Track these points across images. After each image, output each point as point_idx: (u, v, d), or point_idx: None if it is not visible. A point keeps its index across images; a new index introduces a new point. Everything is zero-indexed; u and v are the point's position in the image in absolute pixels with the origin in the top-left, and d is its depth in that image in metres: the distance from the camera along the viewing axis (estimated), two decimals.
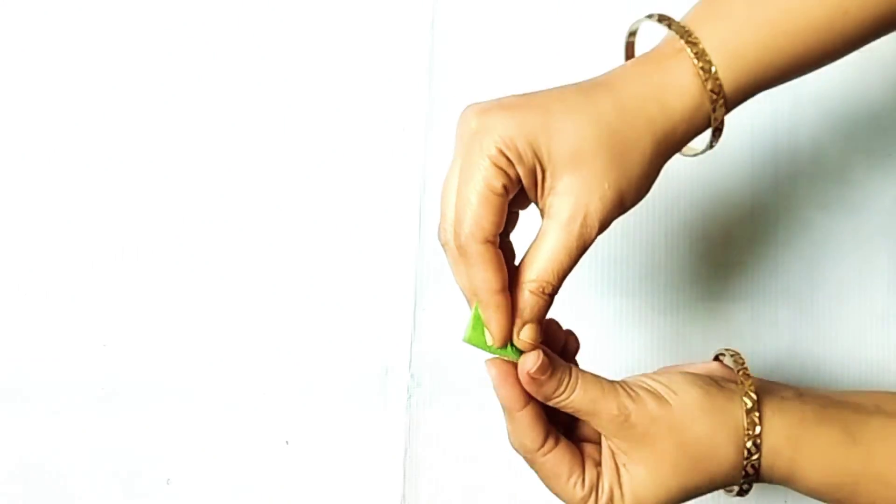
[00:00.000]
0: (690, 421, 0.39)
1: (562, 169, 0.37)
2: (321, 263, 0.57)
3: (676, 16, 0.41)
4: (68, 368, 0.56)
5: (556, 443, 0.39)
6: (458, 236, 0.37)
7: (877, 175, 0.57)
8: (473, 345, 0.39)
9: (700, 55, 0.38)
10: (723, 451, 0.39)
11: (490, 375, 0.39)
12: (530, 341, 0.38)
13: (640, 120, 0.38)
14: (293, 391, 0.56)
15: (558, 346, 0.42)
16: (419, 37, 0.58)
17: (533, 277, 0.37)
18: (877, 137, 0.58)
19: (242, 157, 0.58)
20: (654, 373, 0.42)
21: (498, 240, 0.37)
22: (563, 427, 0.42)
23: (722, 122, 0.39)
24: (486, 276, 0.37)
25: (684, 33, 0.38)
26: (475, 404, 0.56)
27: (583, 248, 0.37)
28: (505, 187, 0.37)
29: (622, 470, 0.39)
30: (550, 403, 0.39)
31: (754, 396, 0.40)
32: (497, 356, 0.39)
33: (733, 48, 0.38)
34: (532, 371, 0.38)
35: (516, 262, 0.39)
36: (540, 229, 0.38)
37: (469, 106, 0.38)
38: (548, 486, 0.40)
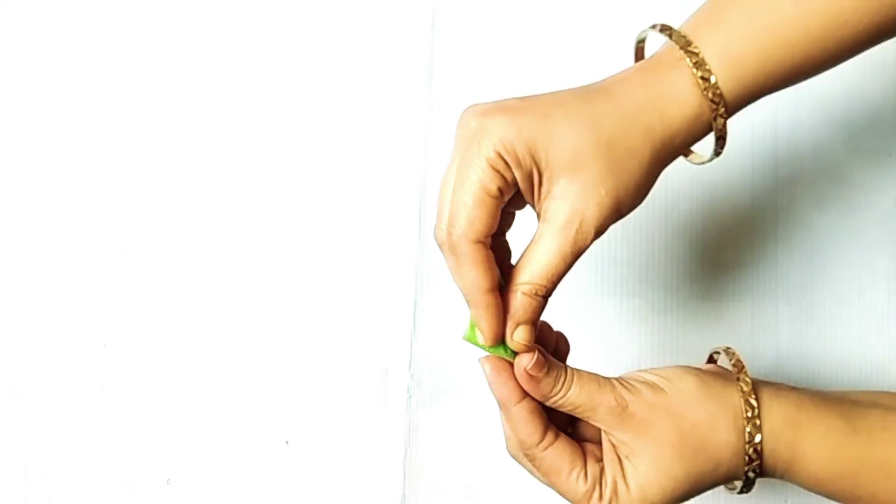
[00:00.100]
0: (688, 407, 0.39)
1: (559, 174, 0.37)
2: (321, 263, 0.57)
3: (677, 16, 0.41)
4: (68, 368, 0.56)
5: (556, 437, 0.40)
6: (450, 235, 0.37)
7: (877, 175, 0.57)
8: (473, 343, 0.39)
9: (699, 65, 0.38)
10: (723, 435, 0.39)
11: (485, 372, 0.39)
12: (524, 342, 0.38)
13: (638, 128, 0.38)
14: (293, 391, 0.56)
15: (549, 348, 0.42)
16: (419, 37, 0.58)
17: (526, 280, 0.38)
18: (877, 137, 0.58)
19: (242, 157, 0.58)
20: (649, 368, 0.42)
21: (490, 241, 0.37)
22: (561, 429, 0.42)
23: (724, 130, 0.39)
24: (476, 276, 0.37)
25: (684, 43, 0.39)
26: (475, 404, 0.56)
27: (577, 253, 0.38)
28: (500, 190, 0.37)
29: (625, 462, 0.39)
30: (549, 403, 0.39)
31: (750, 381, 0.40)
32: (494, 355, 0.39)
33: (733, 57, 0.38)
34: (528, 368, 0.38)
35: (513, 262, 0.40)
36: (535, 232, 0.38)
37: (470, 107, 0.38)
38: (549, 482, 0.40)
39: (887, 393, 0.44)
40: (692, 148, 0.41)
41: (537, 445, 0.39)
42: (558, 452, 0.39)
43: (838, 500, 0.41)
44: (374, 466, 0.56)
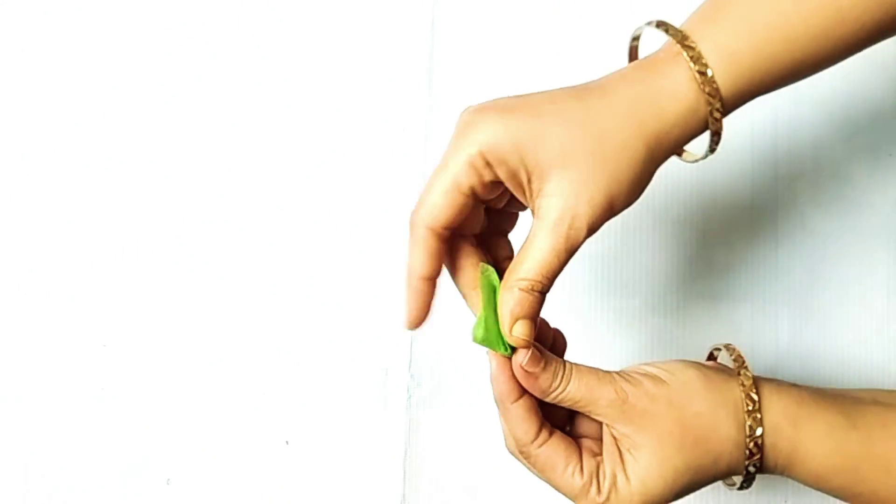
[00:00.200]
0: (690, 399, 0.39)
1: (550, 171, 0.37)
2: (321, 264, 0.57)
3: (678, 15, 0.41)
4: (68, 368, 0.56)
5: (550, 435, 0.40)
6: (412, 215, 0.38)
7: (877, 175, 0.57)
8: (478, 343, 0.39)
9: (696, 59, 0.38)
10: (724, 428, 0.39)
11: (490, 366, 0.40)
12: (523, 337, 0.38)
13: (631, 124, 0.38)
14: (293, 391, 0.56)
15: (546, 345, 0.42)
16: (419, 37, 0.58)
17: (522, 276, 0.38)
18: (877, 138, 0.58)
19: (242, 157, 0.58)
20: (650, 362, 0.43)
21: (446, 233, 0.38)
22: (559, 428, 0.42)
23: (720, 126, 0.39)
24: (416, 260, 0.38)
25: (681, 37, 0.38)
26: (475, 404, 0.56)
27: (571, 250, 0.38)
28: (472, 189, 0.37)
29: (626, 455, 0.39)
30: (549, 399, 0.39)
31: (751, 376, 0.41)
32: (498, 352, 0.39)
33: (730, 52, 0.38)
34: (524, 363, 0.39)
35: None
36: (530, 230, 0.38)
37: (469, 105, 0.39)
38: (546, 479, 0.40)
39: (886, 391, 0.44)
40: (685, 148, 0.41)
41: (532, 443, 0.39)
42: (552, 449, 0.39)
43: (838, 496, 0.41)
44: (374, 466, 0.56)
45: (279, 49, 0.58)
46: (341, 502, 0.56)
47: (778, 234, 0.57)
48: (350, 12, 0.59)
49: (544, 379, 0.39)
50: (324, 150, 0.58)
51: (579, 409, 0.40)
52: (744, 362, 0.42)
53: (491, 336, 0.39)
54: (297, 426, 0.56)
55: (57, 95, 0.58)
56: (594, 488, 0.39)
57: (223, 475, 0.56)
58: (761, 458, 0.40)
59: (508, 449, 0.42)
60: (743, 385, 0.40)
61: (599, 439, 0.41)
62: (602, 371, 0.40)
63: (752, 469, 0.40)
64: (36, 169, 0.58)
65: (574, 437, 0.41)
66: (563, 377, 0.39)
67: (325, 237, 0.57)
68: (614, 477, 0.39)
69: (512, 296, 0.38)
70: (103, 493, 0.56)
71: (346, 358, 0.56)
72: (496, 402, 0.40)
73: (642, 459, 0.39)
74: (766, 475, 0.41)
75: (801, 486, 0.42)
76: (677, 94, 0.38)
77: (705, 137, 0.40)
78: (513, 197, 0.39)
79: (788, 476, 0.41)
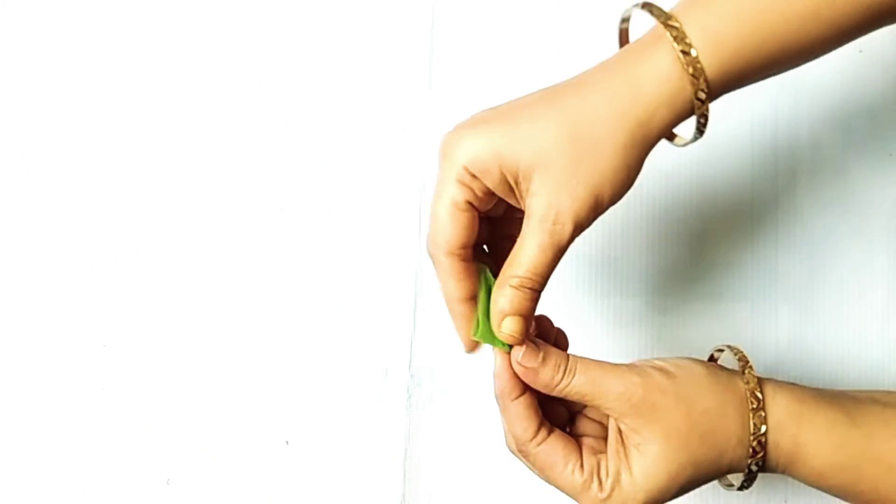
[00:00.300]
0: (697, 394, 0.40)
1: (532, 173, 0.38)
2: (321, 264, 0.57)
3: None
4: (68, 368, 0.56)
5: (549, 433, 0.40)
6: (430, 248, 0.40)
7: (877, 175, 0.57)
8: (478, 339, 0.40)
9: (680, 39, 0.37)
10: (731, 424, 0.39)
11: (495, 363, 0.40)
12: (513, 333, 0.39)
13: (609, 114, 0.38)
14: (293, 391, 0.56)
15: (548, 343, 0.42)
16: (419, 37, 0.58)
17: (512, 273, 0.38)
18: (877, 137, 0.58)
19: (242, 157, 0.58)
20: (657, 357, 0.43)
21: (465, 252, 0.39)
22: (560, 427, 0.42)
23: (706, 109, 0.39)
24: (449, 287, 0.40)
25: (665, 18, 0.38)
26: (475, 404, 0.56)
27: (557, 246, 0.38)
28: (469, 202, 0.38)
29: (632, 451, 0.39)
30: (554, 393, 0.40)
31: (754, 375, 0.41)
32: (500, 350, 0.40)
33: (716, 34, 0.38)
34: (520, 359, 0.39)
35: None
36: (521, 229, 0.39)
37: (447, 131, 0.40)
38: (546, 478, 0.40)
39: (883, 391, 0.44)
40: (676, 132, 0.41)
41: (531, 441, 0.40)
42: (551, 448, 0.40)
43: (838, 495, 0.42)
44: (374, 466, 0.56)
45: (279, 49, 0.58)
46: (341, 502, 0.56)
47: (778, 233, 0.57)
48: (350, 12, 0.59)
49: (545, 373, 0.39)
50: (324, 150, 0.58)
51: (588, 403, 0.40)
52: (748, 361, 0.42)
53: (488, 333, 0.39)
54: (297, 426, 0.56)
55: (57, 95, 0.58)
56: (595, 485, 0.39)
57: (223, 475, 0.56)
58: (764, 457, 0.40)
59: (508, 448, 0.42)
60: (747, 383, 0.40)
61: (600, 438, 0.41)
62: (609, 364, 0.40)
63: (754, 468, 0.40)
64: (36, 169, 0.58)
65: (575, 437, 0.42)
66: (565, 371, 0.39)
67: (326, 237, 0.57)
68: (618, 473, 0.39)
69: (502, 293, 0.39)
70: (103, 493, 0.56)
71: (346, 358, 0.56)
72: (497, 399, 0.40)
73: (648, 454, 0.39)
74: (766, 475, 0.42)
75: (801, 485, 0.42)
76: (661, 75, 0.38)
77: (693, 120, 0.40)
78: (510, 203, 0.40)
79: (789, 474, 0.41)
